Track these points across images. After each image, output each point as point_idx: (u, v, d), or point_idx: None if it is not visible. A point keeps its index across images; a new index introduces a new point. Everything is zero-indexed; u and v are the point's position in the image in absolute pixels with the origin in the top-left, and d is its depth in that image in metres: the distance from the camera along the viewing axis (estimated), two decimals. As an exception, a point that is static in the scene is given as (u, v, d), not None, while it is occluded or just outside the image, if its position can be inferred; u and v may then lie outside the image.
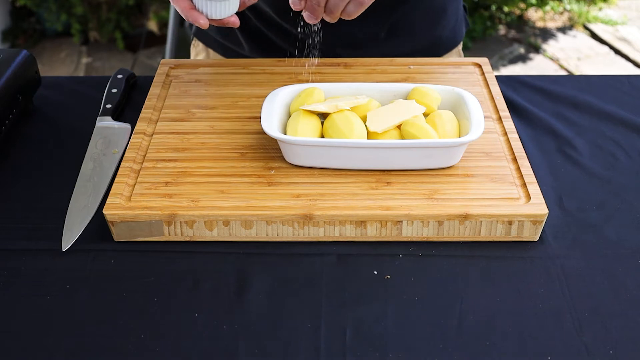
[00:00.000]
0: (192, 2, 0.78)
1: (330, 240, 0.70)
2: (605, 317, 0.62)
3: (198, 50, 1.07)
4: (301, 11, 0.76)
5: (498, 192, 0.71)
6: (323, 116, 0.76)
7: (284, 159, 0.75)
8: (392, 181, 0.72)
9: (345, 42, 0.96)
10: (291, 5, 0.74)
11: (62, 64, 2.75)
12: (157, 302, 0.63)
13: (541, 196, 0.70)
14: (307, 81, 0.89)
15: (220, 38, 1.03)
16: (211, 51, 1.05)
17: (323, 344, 0.59)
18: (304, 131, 0.73)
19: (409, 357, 0.58)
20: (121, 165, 0.74)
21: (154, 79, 0.90)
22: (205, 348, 0.59)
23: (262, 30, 0.98)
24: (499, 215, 0.68)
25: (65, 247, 0.69)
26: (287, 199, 0.70)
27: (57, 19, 2.76)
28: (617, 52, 2.84)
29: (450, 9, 1.00)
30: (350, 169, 0.73)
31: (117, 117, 0.87)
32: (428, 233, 0.69)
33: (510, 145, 0.77)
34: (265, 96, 0.79)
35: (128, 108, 0.90)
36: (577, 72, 2.69)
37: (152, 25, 2.86)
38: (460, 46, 1.06)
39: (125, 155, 0.76)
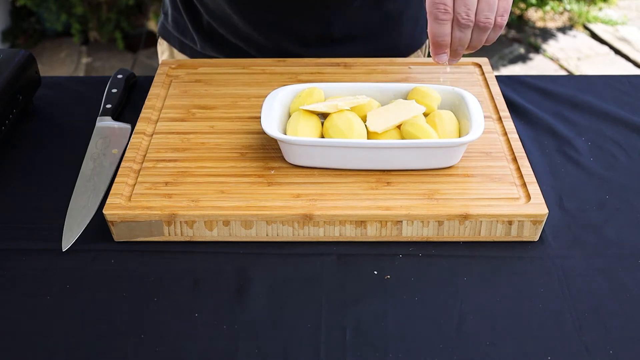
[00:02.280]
0: None
1: (330, 240, 0.70)
2: (605, 317, 0.62)
3: (163, 49, 1.09)
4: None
5: (498, 192, 0.71)
6: (323, 116, 0.76)
7: (284, 159, 0.75)
8: (392, 181, 0.72)
9: (293, 39, 0.96)
10: (437, 61, 0.70)
11: (62, 64, 2.75)
12: (157, 302, 0.63)
13: (541, 196, 0.70)
14: (307, 81, 0.89)
15: (177, 34, 1.04)
16: (174, 50, 1.06)
17: (323, 344, 0.59)
18: (304, 131, 0.73)
19: (409, 357, 0.58)
20: (121, 165, 0.74)
21: (154, 79, 0.90)
22: (205, 348, 0.59)
23: (213, 26, 0.99)
24: (499, 215, 0.68)
25: (65, 247, 0.69)
26: (287, 199, 0.70)
27: (57, 19, 2.76)
28: (617, 52, 2.84)
29: (407, 16, 0.99)
30: (350, 169, 0.73)
31: (117, 117, 0.87)
32: (428, 233, 0.69)
33: (510, 145, 0.77)
34: (265, 96, 0.79)
35: (128, 108, 0.90)
36: (577, 72, 2.69)
37: (152, 25, 2.86)
38: (420, 52, 1.06)
39: (125, 155, 0.76)
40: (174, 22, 1.03)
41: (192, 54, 1.03)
